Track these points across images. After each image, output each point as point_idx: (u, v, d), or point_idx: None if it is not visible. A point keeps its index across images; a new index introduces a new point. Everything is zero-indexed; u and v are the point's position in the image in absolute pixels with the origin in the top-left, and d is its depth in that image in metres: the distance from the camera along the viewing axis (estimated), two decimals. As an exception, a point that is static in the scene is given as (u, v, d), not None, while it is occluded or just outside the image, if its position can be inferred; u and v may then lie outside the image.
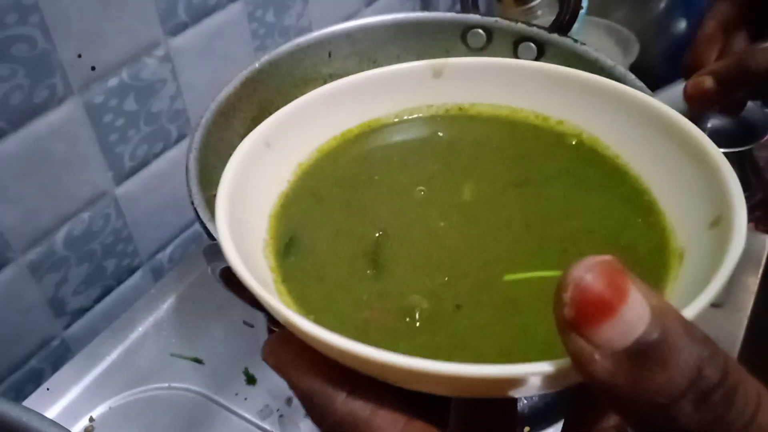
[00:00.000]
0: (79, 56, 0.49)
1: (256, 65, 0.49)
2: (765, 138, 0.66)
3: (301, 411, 0.47)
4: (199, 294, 0.55)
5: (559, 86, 0.25)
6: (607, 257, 0.14)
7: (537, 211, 0.23)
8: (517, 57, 0.50)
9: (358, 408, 0.17)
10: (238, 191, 0.21)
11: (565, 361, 0.15)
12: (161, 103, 0.57)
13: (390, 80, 0.26)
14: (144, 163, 0.58)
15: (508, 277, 0.21)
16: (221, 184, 0.21)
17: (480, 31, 0.51)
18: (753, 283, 0.53)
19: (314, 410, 0.18)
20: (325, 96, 0.25)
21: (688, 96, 0.41)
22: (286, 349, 0.18)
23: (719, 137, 0.69)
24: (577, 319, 0.14)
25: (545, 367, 0.15)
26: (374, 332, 0.20)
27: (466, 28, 0.51)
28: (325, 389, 0.18)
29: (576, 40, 0.48)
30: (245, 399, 0.48)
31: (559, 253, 0.21)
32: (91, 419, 0.47)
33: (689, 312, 0.16)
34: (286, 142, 0.24)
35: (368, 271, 0.22)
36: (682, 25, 0.77)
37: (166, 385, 0.49)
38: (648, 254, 0.21)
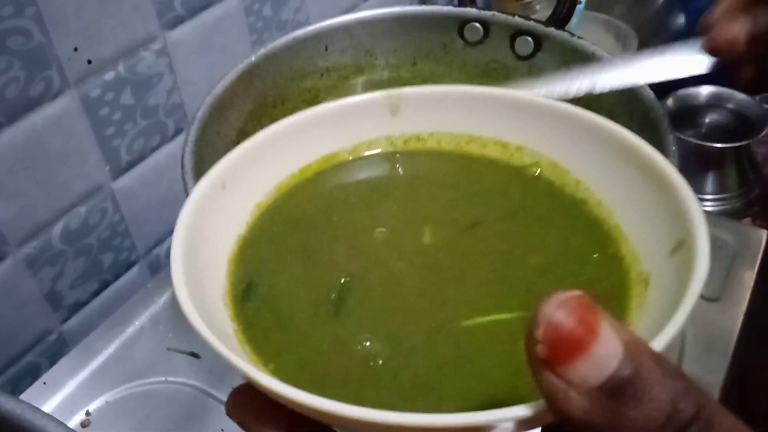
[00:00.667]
0: (76, 50, 0.48)
1: (252, 58, 0.49)
2: (763, 133, 0.66)
3: (298, 405, 0.47)
4: (196, 288, 0.55)
5: (517, 112, 0.25)
6: (577, 292, 0.14)
7: (496, 251, 0.23)
8: (514, 51, 0.50)
9: None
10: (196, 236, 0.21)
11: (538, 403, 0.15)
12: (158, 97, 0.56)
13: (347, 114, 0.26)
14: (141, 157, 0.57)
15: (466, 322, 0.21)
16: (177, 228, 0.20)
17: (477, 25, 0.51)
18: (749, 277, 0.53)
19: None
20: (280, 132, 0.25)
21: (713, 42, 0.35)
22: (249, 404, 0.18)
23: (717, 132, 0.69)
24: (550, 357, 0.14)
25: (520, 411, 0.15)
26: (336, 379, 0.20)
27: (464, 22, 0.51)
28: None
29: (573, 34, 0.48)
30: (242, 393, 0.48)
31: (521, 293, 0.21)
32: (88, 413, 0.47)
33: (658, 343, 0.16)
34: (243, 183, 0.24)
35: (327, 317, 0.22)
36: (680, 20, 0.77)
37: (163, 379, 0.49)
38: (612, 286, 0.21)
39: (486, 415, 0.15)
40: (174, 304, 0.54)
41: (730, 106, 0.68)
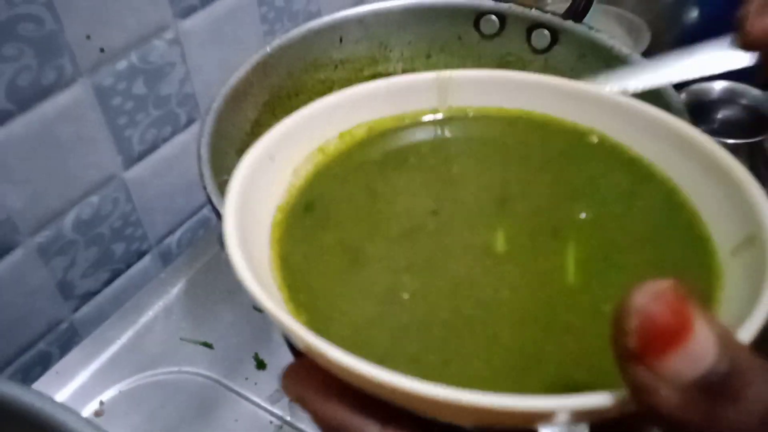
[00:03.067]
0: (88, 37, 0.48)
1: (267, 49, 0.48)
2: (776, 129, 0.65)
3: (311, 397, 0.47)
4: (209, 279, 0.55)
5: (575, 101, 0.24)
6: (669, 282, 0.14)
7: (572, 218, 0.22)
8: (530, 44, 0.50)
9: None
10: (244, 207, 0.20)
11: (619, 393, 0.14)
12: (170, 87, 0.56)
13: (394, 91, 0.25)
14: (153, 147, 0.57)
15: (535, 292, 0.20)
16: (227, 200, 0.20)
17: (493, 17, 0.50)
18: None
19: None
20: (327, 107, 0.24)
21: (747, 36, 0.33)
22: (309, 379, 0.17)
23: (730, 128, 0.69)
24: (641, 349, 0.13)
25: (601, 399, 0.15)
26: (401, 353, 0.19)
27: (479, 15, 0.51)
28: (355, 423, 0.16)
29: (591, 27, 0.47)
30: (255, 384, 0.48)
31: (602, 266, 0.21)
32: (101, 403, 0.47)
33: (744, 337, 0.15)
34: (289, 153, 0.23)
35: (381, 289, 0.21)
36: (694, 13, 0.77)
37: (176, 369, 0.49)
38: (699, 270, 0.20)
39: (565, 401, 0.15)
40: (187, 294, 0.54)
41: (743, 101, 0.67)
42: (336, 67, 0.52)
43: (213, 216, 0.67)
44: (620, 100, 0.24)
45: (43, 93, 0.47)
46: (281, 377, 0.18)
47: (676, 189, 0.22)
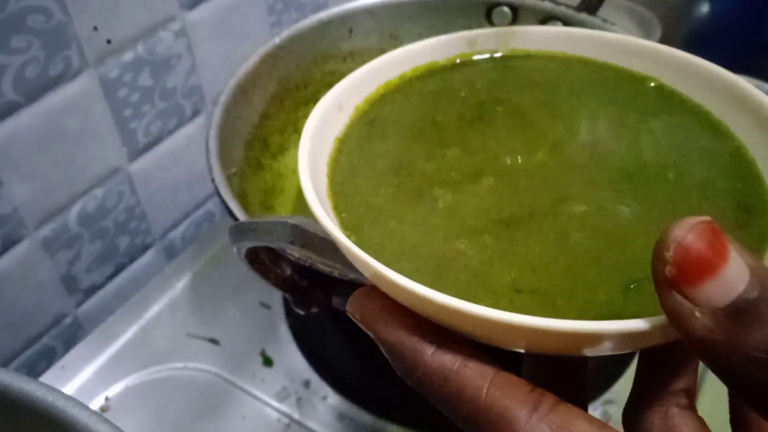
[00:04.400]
0: (95, 29, 0.47)
1: (276, 41, 0.48)
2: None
3: (319, 394, 0.46)
4: (215, 274, 0.55)
5: (638, 56, 0.25)
6: (707, 218, 0.15)
7: (630, 156, 0.23)
8: (543, 37, 0.49)
9: (447, 361, 0.17)
10: (313, 152, 0.22)
11: (659, 318, 0.16)
12: (176, 79, 0.55)
13: (457, 43, 0.27)
14: (158, 140, 0.57)
15: (582, 221, 0.21)
16: (300, 154, 0.21)
17: (505, 8, 0.50)
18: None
19: (402, 363, 0.18)
20: (393, 59, 0.25)
21: None
22: (373, 303, 0.18)
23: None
24: (678, 277, 0.15)
25: (642, 324, 0.16)
26: (449, 275, 0.19)
27: (491, 6, 0.50)
28: (413, 343, 0.18)
29: (605, 20, 0.47)
30: (262, 380, 0.47)
31: (660, 203, 0.21)
32: (107, 398, 0.47)
33: None
34: (356, 100, 0.25)
35: (437, 214, 0.21)
36: (704, 8, 0.76)
37: (182, 365, 0.48)
38: (758, 217, 0.20)
39: (610, 324, 0.16)
40: (193, 289, 0.54)
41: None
42: (345, 59, 0.51)
43: (218, 210, 0.67)
44: (678, 54, 0.24)
45: (49, 85, 0.46)
46: (347, 303, 0.19)
47: (732, 135, 0.23)
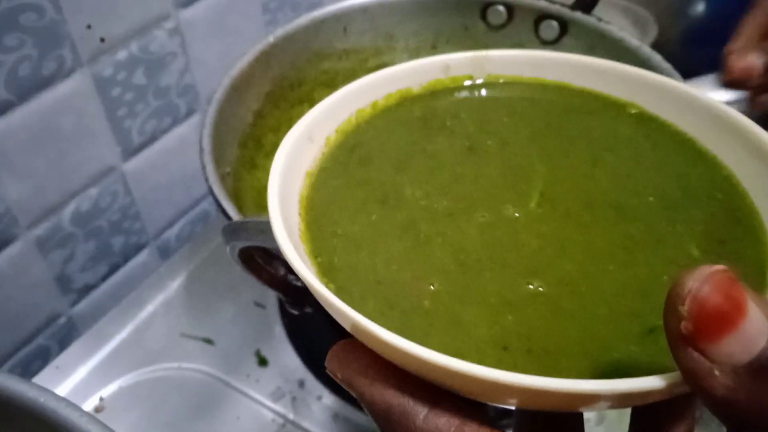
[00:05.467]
0: (89, 27, 0.47)
1: (271, 39, 0.48)
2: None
3: (314, 393, 0.46)
4: (209, 274, 0.55)
5: (616, 79, 0.24)
6: (721, 267, 0.14)
7: (617, 188, 0.22)
8: (538, 35, 0.49)
9: (442, 425, 0.16)
10: (284, 188, 0.21)
11: (673, 375, 0.15)
12: (170, 78, 0.55)
13: (431, 70, 0.26)
14: (152, 139, 0.56)
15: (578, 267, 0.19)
16: (270, 192, 0.20)
17: (500, 8, 0.50)
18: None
19: (391, 428, 0.17)
20: (363, 86, 0.24)
21: (729, 73, 0.36)
22: (355, 359, 0.17)
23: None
24: (695, 333, 0.14)
25: (656, 382, 0.15)
26: (437, 334, 0.18)
27: (486, 5, 0.50)
28: (403, 405, 0.16)
29: (600, 19, 0.46)
30: (257, 381, 0.47)
31: (649, 243, 0.20)
32: (101, 398, 0.46)
33: None
34: (327, 131, 0.24)
35: (403, 250, 0.20)
36: (700, 8, 0.76)
37: (177, 365, 0.48)
38: (751, 261, 0.19)
39: (614, 384, 0.15)
40: (187, 289, 0.54)
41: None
42: (340, 57, 0.51)
43: (212, 210, 0.66)
44: (657, 79, 0.24)
45: (43, 83, 0.46)
46: (326, 359, 0.18)
47: (720, 164, 0.22)
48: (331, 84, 0.51)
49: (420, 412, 0.16)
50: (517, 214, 0.21)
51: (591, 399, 0.15)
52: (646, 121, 0.24)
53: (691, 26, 0.76)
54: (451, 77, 0.26)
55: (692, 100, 0.22)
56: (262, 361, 0.48)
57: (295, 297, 0.35)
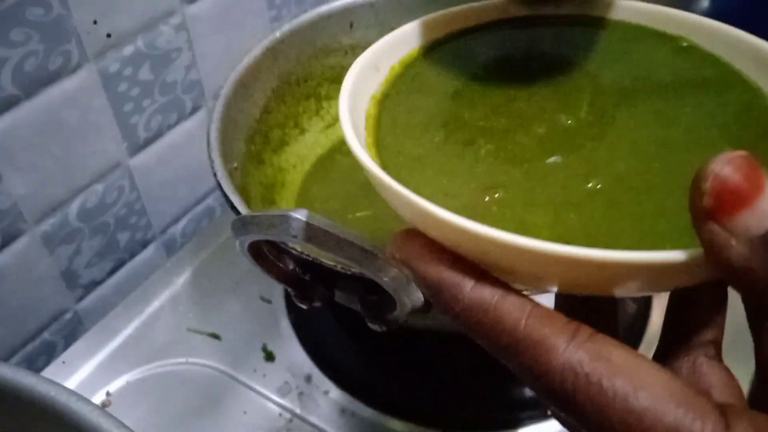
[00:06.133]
0: (95, 22, 0.47)
1: (277, 35, 0.48)
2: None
3: (321, 388, 0.46)
4: (215, 269, 0.55)
5: (666, 17, 0.25)
6: (743, 152, 0.15)
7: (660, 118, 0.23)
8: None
9: (487, 294, 0.18)
10: (353, 106, 0.22)
11: (696, 251, 0.16)
12: (176, 73, 0.55)
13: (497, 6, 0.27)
14: (158, 134, 0.56)
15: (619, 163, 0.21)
16: (341, 107, 0.21)
17: (507, 2, 0.49)
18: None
19: (442, 299, 0.18)
20: (431, 21, 0.26)
21: None
22: (413, 242, 0.19)
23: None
24: (715, 207, 0.15)
25: (680, 255, 0.16)
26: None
27: None
28: (453, 278, 0.18)
29: (607, 14, 0.46)
30: (264, 375, 0.47)
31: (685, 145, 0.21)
32: (108, 393, 0.46)
33: None
34: (392, 61, 0.25)
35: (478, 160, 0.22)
36: (704, 3, 0.76)
37: (184, 360, 0.48)
38: None
39: (644, 255, 0.16)
40: (194, 284, 0.54)
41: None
42: (346, 53, 0.51)
43: (217, 206, 0.66)
44: (710, 21, 0.24)
45: (49, 79, 0.46)
46: (387, 245, 0.20)
47: (761, 92, 0.23)
48: (338, 79, 0.51)
49: (468, 283, 0.18)
50: (569, 122, 0.23)
51: (621, 269, 0.16)
52: (693, 50, 0.25)
53: (696, 22, 0.76)
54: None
55: (743, 39, 0.23)
56: (269, 356, 0.48)
57: (303, 291, 0.35)
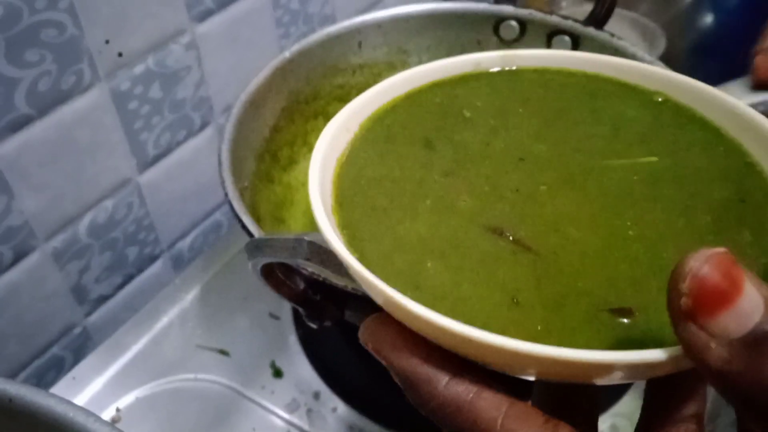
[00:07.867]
0: (107, 42, 0.48)
1: (287, 54, 0.48)
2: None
3: (329, 405, 0.47)
4: (224, 285, 0.55)
5: (642, 72, 0.25)
6: (721, 249, 0.15)
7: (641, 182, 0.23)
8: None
9: (462, 392, 0.17)
10: (322, 177, 0.22)
11: (674, 349, 0.16)
12: (185, 91, 0.56)
13: (461, 65, 0.27)
14: (167, 151, 0.57)
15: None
16: (311, 174, 0.21)
17: (513, 23, 0.50)
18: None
19: (415, 393, 0.18)
20: (397, 83, 0.26)
21: (757, 73, 0.37)
22: (386, 331, 0.18)
23: None
24: (694, 308, 0.15)
25: (657, 354, 0.16)
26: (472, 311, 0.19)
27: (499, 20, 0.50)
28: (427, 372, 0.18)
29: (613, 35, 0.47)
30: (272, 392, 0.47)
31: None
32: (118, 409, 0.47)
33: None
34: (362, 120, 0.25)
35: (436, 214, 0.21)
36: (708, 19, 0.76)
37: (192, 376, 0.49)
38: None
39: (623, 355, 0.16)
40: (202, 300, 0.54)
41: None
42: (354, 72, 0.52)
43: (225, 221, 0.67)
44: (686, 78, 0.25)
45: (61, 98, 0.46)
46: (360, 329, 0.19)
47: (741, 149, 0.23)
48: (345, 98, 0.52)
49: (443, 379, 0.18)
50: (523, 185, 0.23)
51: (604, 368, 0.16)
52: (671, 105, 0.25)
53: (699, 37, 0.76)
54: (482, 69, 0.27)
55: (719, 99, 0.23)
56: (277, 373, 0.49)
57: (314, 311, 0.35)
